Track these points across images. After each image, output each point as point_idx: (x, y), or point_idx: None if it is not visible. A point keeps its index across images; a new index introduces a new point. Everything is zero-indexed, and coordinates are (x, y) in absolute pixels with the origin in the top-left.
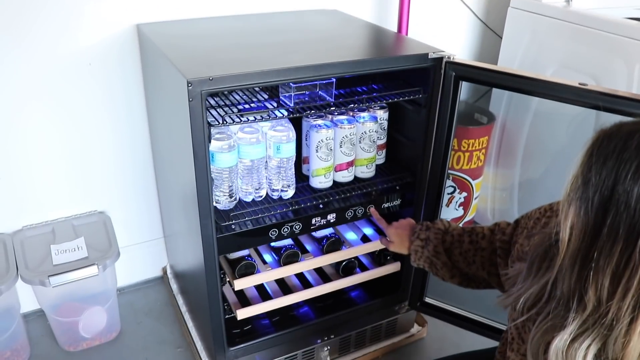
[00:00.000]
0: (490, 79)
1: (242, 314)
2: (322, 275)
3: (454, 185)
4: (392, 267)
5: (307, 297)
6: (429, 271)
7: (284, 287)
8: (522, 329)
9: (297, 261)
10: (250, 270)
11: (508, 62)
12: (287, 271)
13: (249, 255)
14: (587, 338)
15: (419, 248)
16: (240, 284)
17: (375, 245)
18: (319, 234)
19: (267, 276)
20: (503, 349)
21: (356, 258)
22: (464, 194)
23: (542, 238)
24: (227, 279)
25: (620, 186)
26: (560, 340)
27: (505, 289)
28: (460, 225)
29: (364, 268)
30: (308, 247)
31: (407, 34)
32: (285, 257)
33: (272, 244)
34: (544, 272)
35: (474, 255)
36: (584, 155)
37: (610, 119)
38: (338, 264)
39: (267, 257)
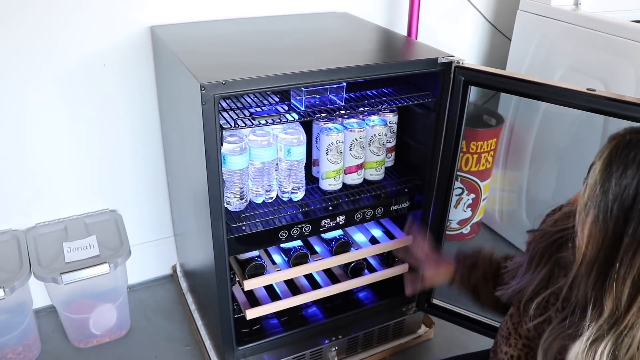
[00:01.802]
0: (498, 84)
1: (251, 313)
2: (331, 276)
3: (462, 186)
4: (400, 269)
5: (316, 298)
6: (470, 299)
7: (292, 287)
8: (518, 325)
9: (306, 262)
10: (260, 271)
11: (517, 64)
12: (296, 272)
13: (258, 256)
14: (603, 342)
15: (466, 276)
16: (250, 284)
17: (384, 247)
18: (328, 235)
19: (276, 277)
20: (497, 344)
21: (364, 259)
22: (472, 195)
23: (543, 234)
24: (237, 279)
25: None
26: (579, 348)
27: (505, 282)
28: (469, 225)
29: (372, 269)
30: (317, 248)
31: (416, 37)
32: (295, 259)
33: (282, 245)
34: (543, 267)
35: None
36: (601, 163)
37: (619, 124)
38: (347, 265)
39: (277, 258)
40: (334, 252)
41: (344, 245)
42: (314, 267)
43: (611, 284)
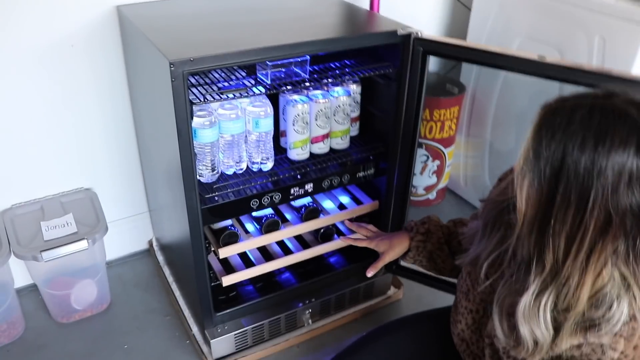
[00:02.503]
0: (455, 54)
1: (227, 280)
2: (302, 242)
3: (427, 153)
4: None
5: (289, 263)
6: (426, 267)
7: (266, 254)
8: (475, 282)
9: (278, 229)
10: (233, 239)
11: (477, 34)
12: (269, 239)
13: (232, 225)
14: (547, 293)
15: (421, 243)
16: (225, 252)
17: (352, 213)
18: (298, 203)
19: (250, 244)
20: (458, 299)
21: (334, 225)
22: (437, 162)
23: (493, 200)
24: (212, 249)
25: (569, 157)
26: (526, 300)
27: (461, 247)
28: (435, 191)
29: (341, 234)
30: (288, 215)
31: (378, 10)
32: (267, 226)
33: (254, 214)
34: (497, 232)
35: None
36: (533, 130)
37: (570, 89)
38: (317, 231)
39: (250, 227)
40: (304, 219)
41: (313, 212)
42: (286, 233)
43: (548, 239)
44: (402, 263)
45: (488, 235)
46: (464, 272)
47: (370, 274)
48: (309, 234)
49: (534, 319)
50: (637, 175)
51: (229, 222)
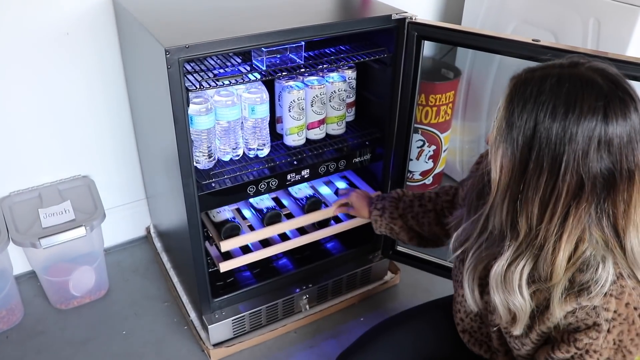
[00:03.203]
0: (449, 38)
1: (225, 266)
2: (299, 228)
3: (423, 139)
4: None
5: (286, 249)
6: (390, 236)
7: (263, 240)
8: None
9: (279, 222)
10: (235, 232)
11: (471, 18)
12: (271, 231)
13: (233, 217)
14: (522, 260)
15: (377, 217)
16: (227, 245)
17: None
18: (299, 193)
19: (251, 237)
20: (455, 289)
21: None
22: (433, 147)
23: (474, 181)
24: (213, 241)
25: (540, 125)
26: (499, 267)
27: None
28: (431, 176)
29: (338, 220)
30: (285, 202)
31: None
32: (269, 218)
33: (255, 205)
34: (479, 210)
35: (422, 217)
36: (504, 101)
37: None
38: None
39: (247, 213)
40: (306, 211)
41: (316, 203)
42: (288, 225)
43: (522, 206)
44: (399, 248)
45: (472, 216)
46: (456, 261)
47: (337, 212)
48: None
49: (508, 286)
50: (605, 140)
51: (229, 214)
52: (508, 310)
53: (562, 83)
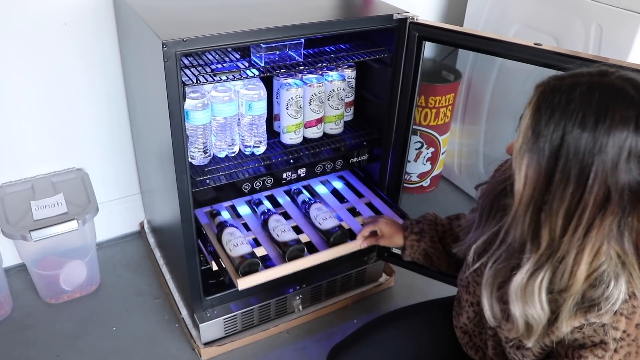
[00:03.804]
0: (451, 39)
1: (244, 283)
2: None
3: (422, 140)
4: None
5: (299, 268)
6: (423, 263)
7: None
8: (474, 273)
9: (302, 256)
10: (254, 268)
11: (473, 21)
12: (293, 267)
13: (250, 253)
14: (542, 272)
15: (415, 242)
16: (245, 283)
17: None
18: (325, 224)
19: (271, 273)
20: (459, 293)
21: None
22: (432, 149)
23: (490, 187)
24: (230, 278)
25: (568, 135)
26: (518, 279)
27: (460, 239)
28: (429, 178)
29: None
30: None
31: None
32: (290, 253)
33: (279, 239)
34: (493, 219)
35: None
36: (531, 109)
37: None
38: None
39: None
40: (331, 244)
41: (344, 236)
42: (311, 261)
43: (546, 217)
44: (395, 250)
45: (484, 223)
46: (464, 266)
47: (364, 245)
48: (311, 226)
49: (529, 298)
50: (636, 152)
51: (246, 247)
52: (525, 323)
53: (593, 92)
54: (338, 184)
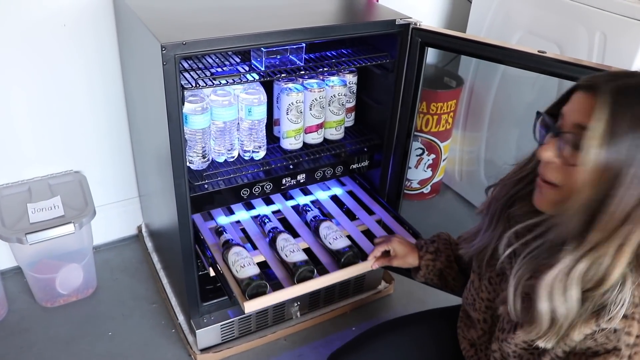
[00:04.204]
0: (453, 46)
1: (250, 307)
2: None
3: (423, 147)
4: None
5: (310, 290)
6: (436, 285)
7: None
8: (479, 289)
9: (312, 277)
10: (262, 290)
11: (477, 27)
12: (301, 290)
13: (258, 274)
14: (580, 265)
15: (430, 262)
16: (251, 306)
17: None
18: (335, 244)
19: (279, 296)
20: (465, 311)
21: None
22: (433, 155)
23: (501, 190)
24: (238, 300)
25: None
26: (554, 273)
27: (464, 245)
28: (429, 185)
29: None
30: (318, 256)
31: (378, 0)
32: (300, 274)
33: (288, 260)
34: (500, 223)
35: None
36: (598, 109)
37: (568, 84)
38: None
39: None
40: (342, 265)
41: (355, 256)
42: (320, 283)
43: (601, 219)
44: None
45: (494, 227)
46: (468, 284)
47: (375, 266)
48: (321, 247)
49: (560, 292)
50: None
51: (254, 269)
52: (551, 319)
53: None
54: (338, 190)
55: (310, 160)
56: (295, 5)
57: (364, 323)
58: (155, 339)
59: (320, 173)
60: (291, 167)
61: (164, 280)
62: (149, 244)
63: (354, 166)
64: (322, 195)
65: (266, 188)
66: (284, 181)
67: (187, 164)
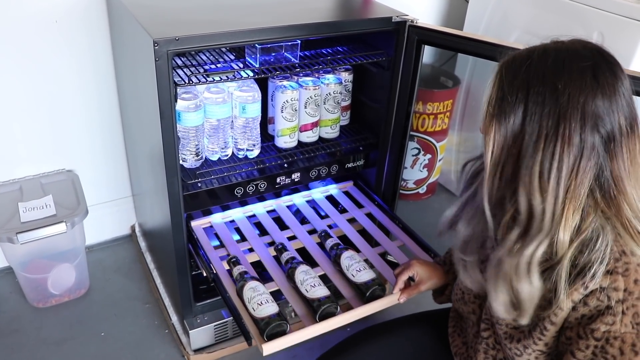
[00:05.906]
0: (451, 43)
1: (268, 349)
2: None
3: (419, 147)
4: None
5: (332, 328)
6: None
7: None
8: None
9: (335, 313)
10: (282, 328)
11: (474, 26)
12: (323, 328)
13: (276, 313)
14: (533, 242)
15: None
16: (270, 348)
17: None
18: (359, 277)
19: (299, 336)
20: (455, 306)
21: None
22: (429, 155)
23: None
24: (253, 342)
25: (532, 94)
26: (504, 253)
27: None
28: (425, 185)
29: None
30: (343, 292)
31: None
32: (322, 312)
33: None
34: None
35: None
36: (495, 77)
37: None
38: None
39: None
40: (367, 300)
41: (381, 289)
42: (343, 320)
43: (520, 178)
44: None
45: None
46: (456, 280)
47: (402, 299)
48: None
49: (518, 272)
50: (595, 95)
51: (273, 307)
52: (511, 304)
53: (548, 53)
54: (333, 190)
55: (305, 158)
56: (291, 2)
57: (359, 324)
58: (148, 340)
59: (315, 172)
60: (286, 165)
61: (158, 280)
62: (142, 244)
63: (350, 165)
64: (317, 194)
65: (260, 187)
66: (278, 180)
67: (180, 162)
